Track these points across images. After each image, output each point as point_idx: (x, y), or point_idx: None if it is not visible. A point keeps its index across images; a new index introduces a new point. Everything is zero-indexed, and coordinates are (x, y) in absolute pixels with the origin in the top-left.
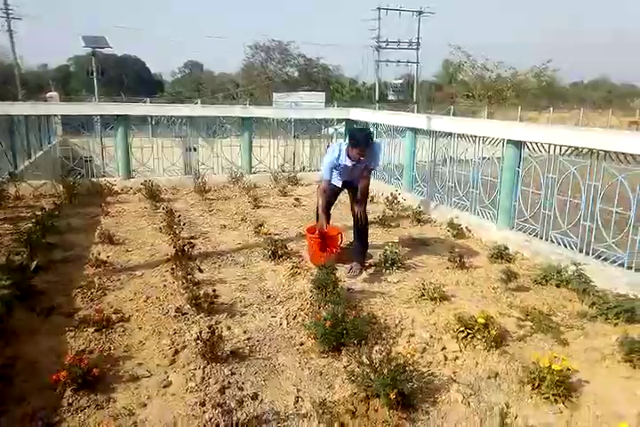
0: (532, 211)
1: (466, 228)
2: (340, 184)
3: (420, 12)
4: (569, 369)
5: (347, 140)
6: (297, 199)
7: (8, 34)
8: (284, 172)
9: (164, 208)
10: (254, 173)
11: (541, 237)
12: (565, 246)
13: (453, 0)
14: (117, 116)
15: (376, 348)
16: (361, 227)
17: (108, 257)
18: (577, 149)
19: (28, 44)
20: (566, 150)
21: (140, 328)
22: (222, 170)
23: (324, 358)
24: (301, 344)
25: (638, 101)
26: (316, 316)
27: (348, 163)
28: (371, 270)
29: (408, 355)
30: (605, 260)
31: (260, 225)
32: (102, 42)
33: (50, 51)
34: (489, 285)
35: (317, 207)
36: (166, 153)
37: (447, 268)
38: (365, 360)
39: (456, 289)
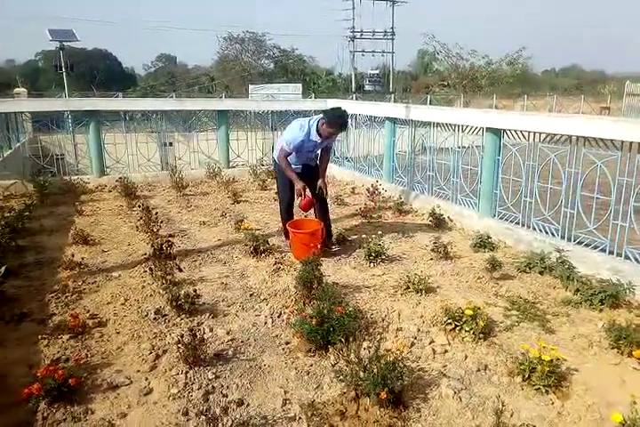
0: (514, 199)
1: (448, 217)
2: (299, 170)
3: (394, 2)
4: (558, 359)
5: (319, 117)
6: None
7: None
8: (262, 165)
9: (140, 206)
10: (232, 166)
11: (523, 225)
12: (547, 233)
13: None
14: (88, 111)
15: (364, 344)
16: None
17: (82, 259)
18: (555, 135)
19: None
20: (545, 137)
21: (118, 333)
22: (199, 164)
23: (310, 357)
24: (287, 343)
25: (609, 88)
26: (301, 314)
27: (317, 139)
28: (355, 263)
29: (397, 351)
30: (587, 246)
31: (241, 221)
32: (70, 35)
33: (16, 45)
34: (474, 274)
35: (284, 169)
36: (141, 149)
37: (431, 258)
38: (354, 358)
39: (441, 280)
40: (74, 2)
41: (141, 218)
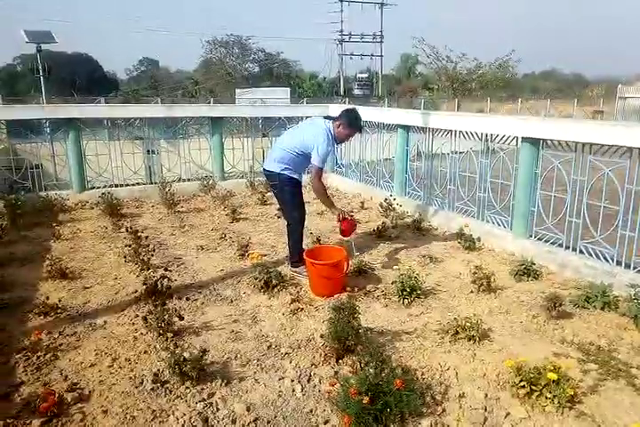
0: (555, 217)
1: (477, 238)
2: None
3: (382, 4)
4: None
5: (332, 120)
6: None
7: None
8: (251, 172)
9: (127, 229)
10: (228, 178)
11: (567, 247)
12: (599, 258)
13: None
14: (67, 119)
15: (423, 423)
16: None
17: (59, 300)
18: (611, 147)
19: None
20: (599, 148)
21: (104, 412)
22: (190, 176)
23: None
24: (326, 422)
25: (597, 91)
26: (351, 390)
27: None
28: (385, 300)
29: None
30: None
31: (246, 246)
32: (48, 36)
33: None
34: (526, 312)
35: (323, 197)
36: (126, 159)
37: (471, 291)
38: None
39: (490, 321)
40: (51, 4)
41: (129, 244)
